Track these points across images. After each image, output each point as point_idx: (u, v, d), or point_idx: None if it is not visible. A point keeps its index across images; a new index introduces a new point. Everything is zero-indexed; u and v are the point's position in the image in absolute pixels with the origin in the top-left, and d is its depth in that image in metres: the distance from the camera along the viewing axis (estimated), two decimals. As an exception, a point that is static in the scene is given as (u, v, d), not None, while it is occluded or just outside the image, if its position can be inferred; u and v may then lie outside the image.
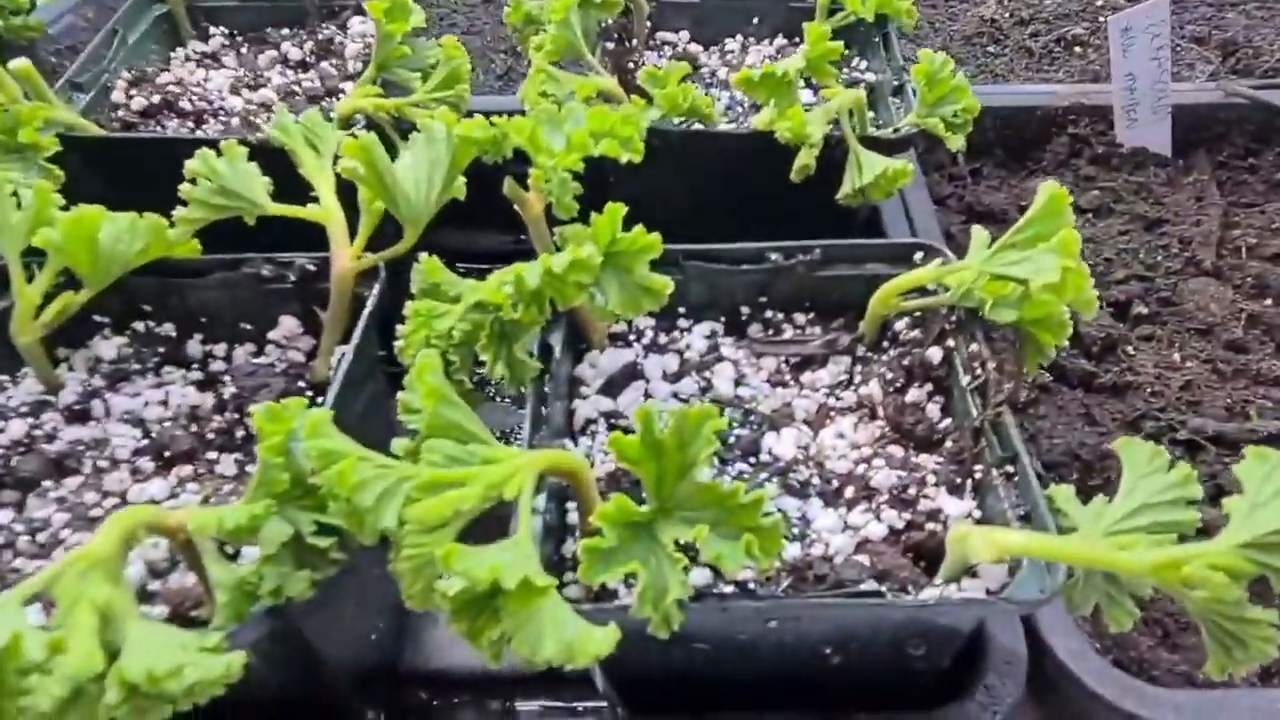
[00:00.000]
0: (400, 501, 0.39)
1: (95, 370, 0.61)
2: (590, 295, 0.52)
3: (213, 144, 0.59)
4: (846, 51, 0.90)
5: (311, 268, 0.61)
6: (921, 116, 0.71)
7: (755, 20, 0.92)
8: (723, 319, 0.64)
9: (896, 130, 0.73)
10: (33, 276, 0.57)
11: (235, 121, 0.79)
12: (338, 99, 0.81)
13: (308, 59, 0.87)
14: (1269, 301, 0.87)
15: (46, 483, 0.55)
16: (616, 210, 0.51)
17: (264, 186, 0.59)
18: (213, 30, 0.90)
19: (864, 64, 0.88)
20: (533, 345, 0.57)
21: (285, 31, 0.90)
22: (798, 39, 0.93)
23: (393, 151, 0.58)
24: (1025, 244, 0.50)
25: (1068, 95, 1.04)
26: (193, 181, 0.58)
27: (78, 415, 0.58)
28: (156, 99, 0.80)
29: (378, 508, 0.39)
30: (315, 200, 0.60)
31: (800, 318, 0.64)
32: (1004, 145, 1.05)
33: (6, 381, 0.59)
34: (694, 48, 0.91)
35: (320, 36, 0.88)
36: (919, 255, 0.62)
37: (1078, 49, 1.24)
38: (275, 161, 0.61)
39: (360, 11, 0.89)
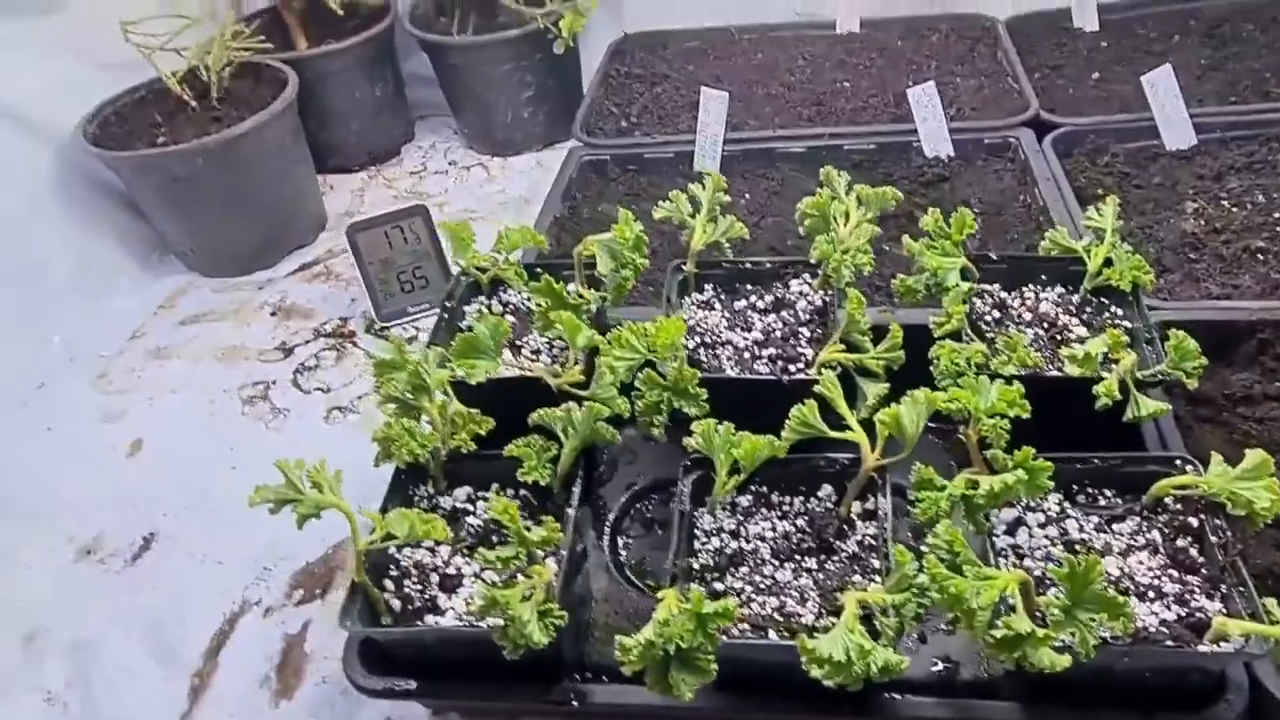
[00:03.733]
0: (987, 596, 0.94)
1: (733, 512, 1.20)
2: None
3: (799, 387, 1.17)
4: (1104, 300, 1.42)
5: (846, 462, 1.18)
6: (1171, 367, 1.22)
7: (1043, 276, 1.45)
8: (1062, 491, 1.17)
9: (1153, 375, 1.24)
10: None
11: (745, 355, 1.38)
12: (796, 339, 1.39)
13: (768, 309, 1.46)
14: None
15: (731, 569, 1.14)
16: (1027, 452, 1.06)
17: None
18: (706, 286, 1.51)
19: (1119, 311, 1.39)
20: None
21: (749, 287, 1.49)
22: (1071, 286, 1.45)
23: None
24: (1248, 476, 1.01)
25: (1255, 310, 1.51)
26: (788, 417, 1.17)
27: (735, 535, 1.17)
28: (695, 340, 1.40)
29: (974, 599, 0.94)
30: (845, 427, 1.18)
31: (1108, 491, 1.16)
32: (1206, 350, 1.50)
33: (703, 513, 1.19)
34: (1002, 294, 1.45)
35: (775, 294, 1.47)
36: (1178, 462, 1.13)
37: (1260, 256, 1.70)
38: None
39: (797, 276, 1.48)
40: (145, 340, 2.00)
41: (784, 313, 1.44)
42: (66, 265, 2.05)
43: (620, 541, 1.47)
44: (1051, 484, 1.05)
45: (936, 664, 1.21)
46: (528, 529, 1.06)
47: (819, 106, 2.33)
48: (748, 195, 2.09)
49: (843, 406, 1.18)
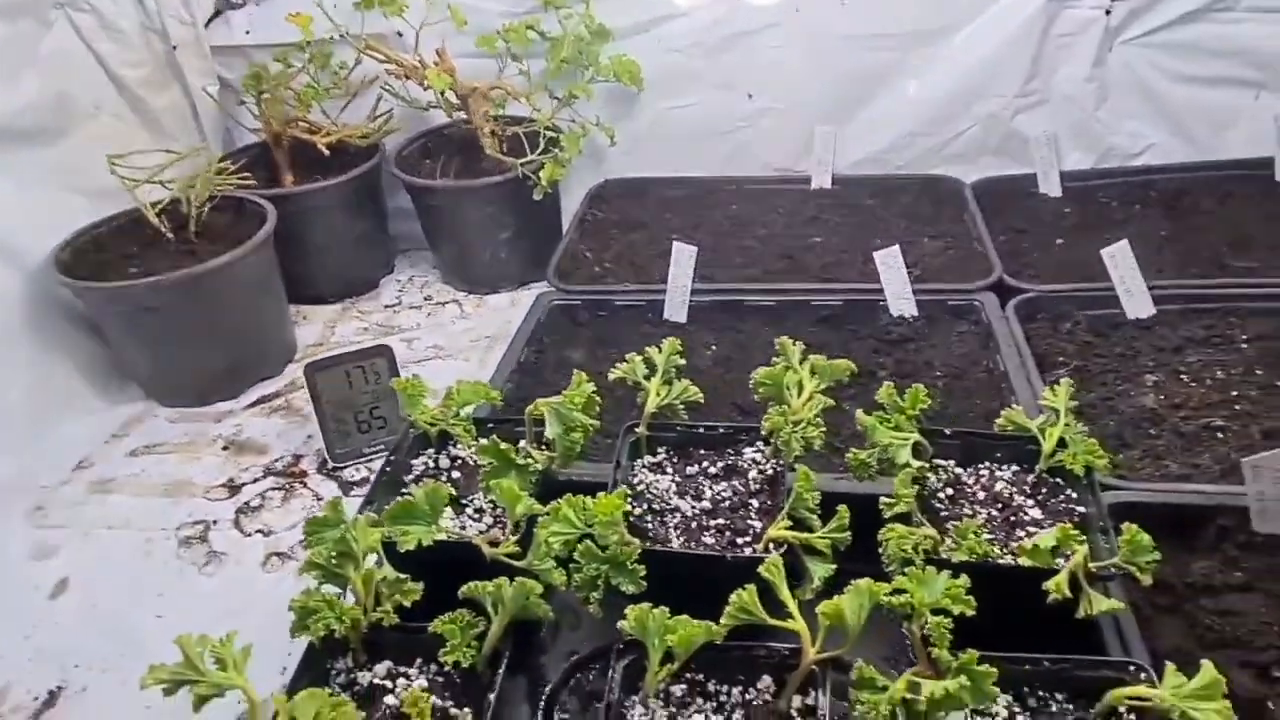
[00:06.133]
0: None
1: (667, 702, 1.13)
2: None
3: (743, 565, 1.13)
4: (1059, 481, 1.39)
5: (787, 652, 1.12)
6: (1124, 560, 1.19)
7: (998, 454, 1.43)
8: (1012, 693, 1.11)
9: (1104, 567, 1.20)
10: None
11: (693, 525, 1.34)
12: (746, 510, 1.36)
13: (719, 475, 1.43)
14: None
15: (660, 769, 1.06)
16: (971, 655, 1.01)
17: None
18: (659, 448, 1.48)
19: (1073, 494, 1.37)
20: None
21: (702, 451, 1.47)
22: (1025, 464, 1.43)
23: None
24: (1200, 694, 0.96)
25: (1215, 494, 1.49)
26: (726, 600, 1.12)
27: (667, 729, 1.10)
28: (643, 506, 1.36)
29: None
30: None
31: (1060, 696, 1.10)
32: (1166, 533, 1.47)
33: (634, 702, 1.12)
34: (957, 470, 1.43)
35: (728, 460, 1.44)
36: (1133, 669, 1.08)
37: (1219, 435, 1.68)
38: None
39: (750, 444, 1.46)
40: (90, 471, 1.94)
41: (735, 481, 1.41)
42: (21, 391, 2.02)
43: (556, 719, 1.38)
44: (998, 690, 0.99)
45: None
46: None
47: (790, 260, 2.37)
48: (715, 347, 2.09)
49: (785, 593, 1.13)
